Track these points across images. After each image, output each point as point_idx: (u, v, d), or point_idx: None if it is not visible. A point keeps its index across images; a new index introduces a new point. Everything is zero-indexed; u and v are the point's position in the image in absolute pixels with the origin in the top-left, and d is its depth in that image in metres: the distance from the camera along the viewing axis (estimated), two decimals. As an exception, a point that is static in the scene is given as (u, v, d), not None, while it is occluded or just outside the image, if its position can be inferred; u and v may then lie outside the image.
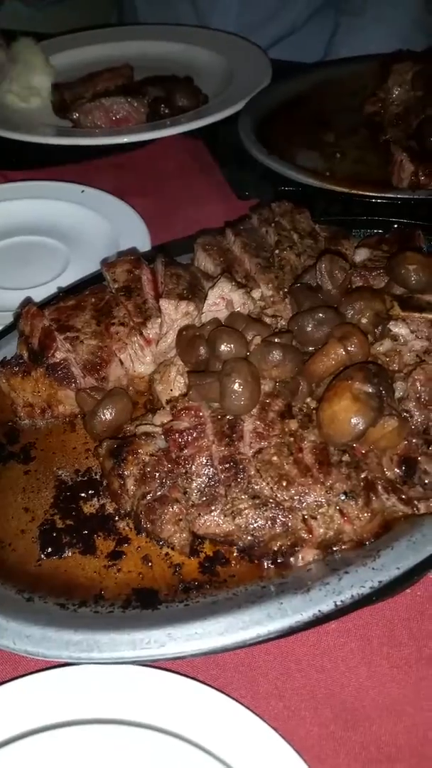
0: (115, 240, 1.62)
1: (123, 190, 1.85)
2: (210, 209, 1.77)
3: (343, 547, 0.92)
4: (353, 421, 0.93)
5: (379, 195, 1.55)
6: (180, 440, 0.98)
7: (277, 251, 1.29)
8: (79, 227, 1.70)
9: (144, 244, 1.59)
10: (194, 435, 0.98)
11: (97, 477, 1.05)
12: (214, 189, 1.85)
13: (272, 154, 1.72)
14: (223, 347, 1.03)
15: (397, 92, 1.93)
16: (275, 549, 0.92)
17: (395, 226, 1.45)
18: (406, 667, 0.93)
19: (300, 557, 0.92)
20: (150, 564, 0.95)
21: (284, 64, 2.43)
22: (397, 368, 1.07)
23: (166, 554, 0.96)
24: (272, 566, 0.92)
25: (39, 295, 1.41)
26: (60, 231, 1.70)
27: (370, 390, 0.94)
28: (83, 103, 2.16)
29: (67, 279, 1.49)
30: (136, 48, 2.68)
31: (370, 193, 1.57)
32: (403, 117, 1.87)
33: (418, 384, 1.00)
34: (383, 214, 1.54)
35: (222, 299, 1.14)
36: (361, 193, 1.57)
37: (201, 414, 1.00)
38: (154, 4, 3.12)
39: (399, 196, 1.56)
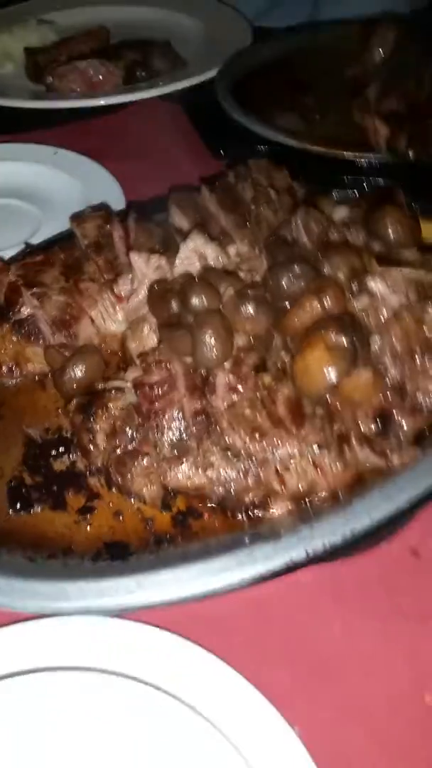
0: (88, 201, 1.58)
1: (98, 154, 1.80)
2: (186, 170, 1.73)
3: (316, 499, 0.91)
4: (326, 370, 0.91)
5: (356, 155, 1.53)
6: (151, 393, 0.96)
7: (253, 207, 1.27)
8: (51, 189, 1.66)
9: (118, 204, 1.56)
10: (165, 388, 0.96)
11: (68, 435, 1.03)
12: (191, 151, 1.81)
13: (248, 114, 1.69)
14: (195, 300, 1.01)
15: (378, 56, 1.90)
16: (248, 501, 0.91)
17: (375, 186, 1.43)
18: (380, 621, 0.92)
19: (273, 509, 0.91)
20: (121, 518, 0.93)
21: (265, 30, 2.40)
22: (374, 323, 1.05)
23: (138, 509, 0.94)
24: (245, 518, 0.91)
25: (6, 256, 1.37)
26: (32, 193, 1.66)
27: (344, 341, 0.93)
28: (57, 67, 2.11)
29: (39, 240, 1.46)
30: (113, 13, 2.62)
31: (348, 153, 1.54)
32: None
33: (393, 338, 0.98)
34: (361, 176, 1.53)
35: (195, 253, 1.12)
36: (338, 153, 1.55)
37: (172, 367, 0.98)
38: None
39: (377, 156, 1.53)
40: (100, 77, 2.10)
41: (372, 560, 0.97)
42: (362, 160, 1.53)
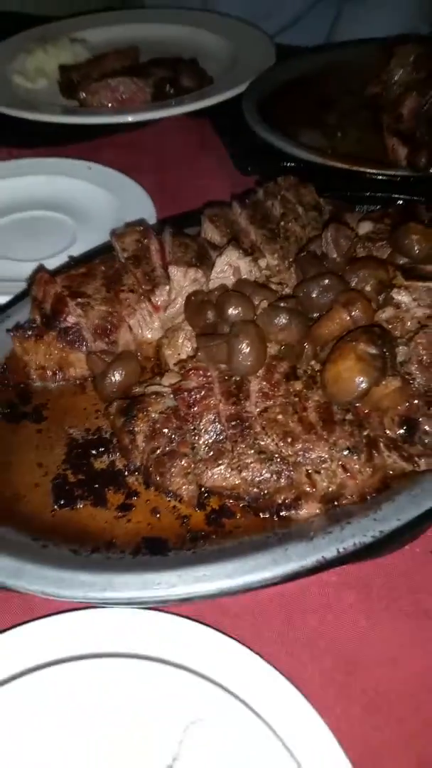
0: (121, 214, 1.64)
1: (129, 168, 1.87)
2: (214, 185, 1.80)
3: (344, 501, 0.96)
4: (357, 380, 0.96)
5: (379, 171, 1.58)
6: (188, 398, 1.01)
7: (282, 223, 1.32)
8: (86, 202, 1.73)
9: (150, 218, 1.62)
10: (202, 393, 1.01)
11: (107, 436, 1.09)
12: (218, 166, 1.87)
13: (275, 131, 1.75)
14: (231, 310, 1.06)
15: (398, 74, 1.95)
16: (279, 502, 0.95)
17: (398, 201, 1.48)
18: (404, 618, 0.96)
19: (303, 510, 0.96)
20: (158, 515, 0.98)
21: (288, 48, 2.46)
22: (399, 334, 1.10)
23: (174, 507, 0.99)
24: (276, 518, 0.96)
25: (49, 266, 1.43)
26: (68, 206, 1.72)
27: (374, 351, 0.98)
28: (90, 84, 2.18)
29: (75, 252, 1.51)
30: (143, 31, 2.70)
31: (371, 170, 1.60)
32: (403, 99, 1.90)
33: (420, 347, 1.03)
34: (383, 191, 1.58)
35: (229, 266, 1.17)
36: (361, 169, 1.60)
37: (209, 374, 1.03)
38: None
39: (398, 173, 1.58)
40: (131, 94, 2.17)
41: (397, 560, 1.01)
42: (384, 176, 1.58)
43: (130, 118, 2.05)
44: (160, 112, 2.06)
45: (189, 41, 2.59)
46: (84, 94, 2.17)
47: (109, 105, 2.16)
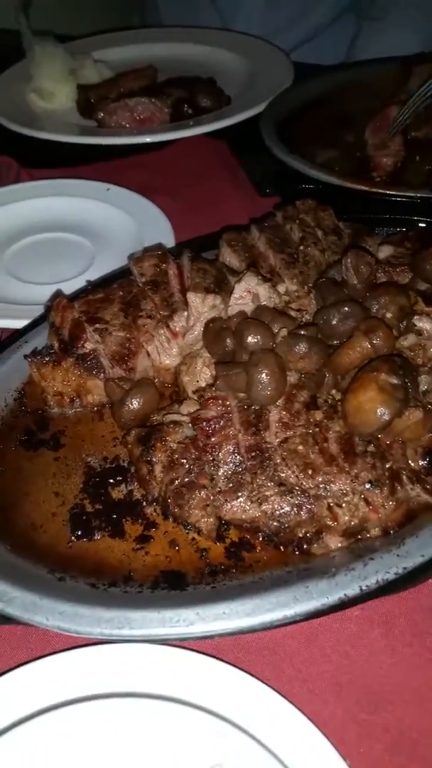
0: (139, 237, 1.65)
1: (147, 189, 1.87)
2: (232, 207, 1.79)
3: (367, 535, 0.94)
4: (379, 411, 0.94)
5: (398, 193, 1.57)
6: (207, 428, 1.00)
7: (301, 247, 1.31)
8: (104, 224, 1.73)
9: (168, 240, 1.62)
10: (221, 423, 1.00)
11: (125, 464, 1.08)
12: (236, 187, 1.87)
13: (293, 153, 1.74)
14: (251, 339, 1.05)
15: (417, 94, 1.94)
16: (300, 535, 0.94)
17: (420, 225, 1.47)
18: (428, 654, 0.94)
19: (325, 544, 0.94)
20: (177, 548, 0.97)
21: (306, 66, 2.46)
22: (421, 362, 1.08)
23: (193, 539, 0.98)
24: (297, 552, 0.94)
25: (66, 289, 1.43)
26: (86, 228, 1.72)
27: (396, 381, 0.96)
28: (108, 104, 2.20)
29: (94, 274, 1.52)
30: (160, 50, 2.71)
31: (390, 192, 1.58)
32: (423, 118, 1.89)
33: (442, 376, 1.01)
34: (403, 213, 1.57)
35: (248, 293, 1.16)
36: (380, 191, 1.59)
37: (228, 403, 1.02)
38: (177, 6, 3.15)
39: (419, 194, 1.57)
40: (148, 114, 2.17)
41: (420, 595, 0.99)
42: (403, 197, 1.57)
43: (147, 139, 2.06)
44: (178, 133, 2.07)
45: (207, 60, 2.60)
46: (102, 114, 2.18)
47: (127, 125, 2.17)
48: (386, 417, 0.94)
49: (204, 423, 1.00)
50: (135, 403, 1.10)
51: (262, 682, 0.86)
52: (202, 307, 1.17)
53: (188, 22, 3.00)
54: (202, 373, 1.13)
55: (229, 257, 1.34)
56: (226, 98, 2.27)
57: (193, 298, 1.17)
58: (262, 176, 1.79)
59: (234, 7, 3.01)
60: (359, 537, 0.94)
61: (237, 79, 2.41)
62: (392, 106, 1.88)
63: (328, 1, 2.96)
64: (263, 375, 1.00)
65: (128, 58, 2.63)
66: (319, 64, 2.57)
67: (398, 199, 1.59)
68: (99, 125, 2.20)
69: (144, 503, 1.02)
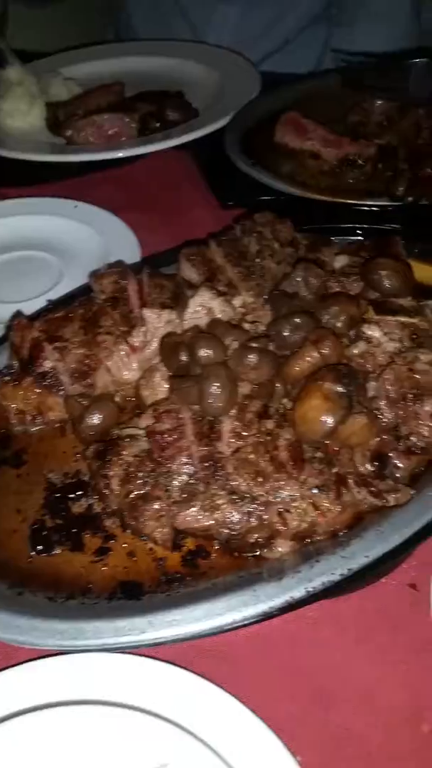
0: (106, 252, 1.68)
1: (116, 204, 1.91)
2: (199, 220, 1.82)
3: (317, 538, 0.98)
4: (323, 419, 0.98)
5: (356, 202, 1.60)
6: (161, 441, 1.03)
7: (257, 260, 1.35)
8: (71, 241, 1.76)
9: (134, 255, 1.65)
10: (175, 436, 1.03)
11: (86, 479, 1.11)
12: (202, 200, 1.90)
13: (256, 164, 1.78)
14: (202, 352, 1.08)
15: (379, 102, 1.98)
16: (252, 541, 0.97)
17: (377, 232, 1.50)
18: (380, 653, 0.97)
19: (276, 549, 0.97)
20: (135, 559, 1.00)
21: (274, 76, 2.50)
22: (371, 369, 1.12)
23: (150, 549, 1.01)
24: (250, 558, 0.97)
25: (34, 307, 1.46)
26: (53, 245, 1.76)
27: (340, 390, 0.99)
28: (76, 121, 2.23)
29: (61, 291, 1.55)
30: (130, 64, 2.74)
31: (350, 201, 1.62)
32: (385, 125, 1.93)
33: (387, 384, 1.05)
34: (364, 222, 1.60)
35: (202, 307, 1.20)
36: (341, 201, 1.63)
37: (181, 416, 1.05)
38: (150, 20, 3.19)
39: (376, 203, 1.61)
40: (116, 130, 2.21)
41: (372, 595, 1.02)
42: (362, 206, 1.61)
43: (114, 155, 2.09)
44: (145, 148, 2.09)
45: (176, 73, 2.62)
46: (70, 132, 2.21)
47: (96, 142, 2.20)
48: (331, 424, 0.98)
49: (158, 436, 1.03)
50: (94, 419, 1.13)
51: (215, 683, 0.89)
52: (158, 322, 1.20)
53: (162, 35, 3.04)
54: (160, 386, 1.16)
55: (188, 271, 1.37)
56: (194, 111, 2.30)
57: (148, 314, 1.20)
58: (224, 188, 1.83)
59: (205, 19, 3.05)
60: (309, 540, 0.98)
61: (205, 91, 2.44)
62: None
63: (299, 10, 3.00)
64: (214, 387, 1.03)
65: (98, 73, 2.65)
66: (288, 73, 2.61)
67: (357, 208, 1.62)
68: (68, 142, 2.24)
69: (103, 516, 1.05)
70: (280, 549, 0.97)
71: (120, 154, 2.09)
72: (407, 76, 2.03)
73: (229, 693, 0.89)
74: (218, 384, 1.03)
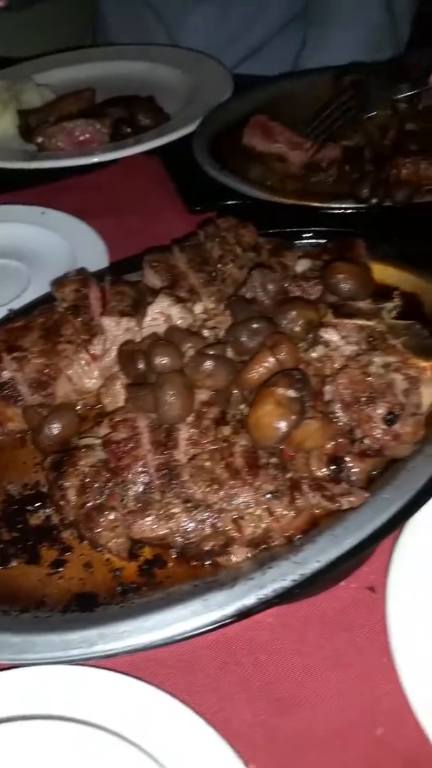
0: (74, 258, 1.68)
1: (86, 209, 1.91)
2: (169, 225, 1.82)
3: (273, 544, 0.98)
4: (276, 424, 0.98)
5: (320, 205, 1.60)
6: (117, 450, 1.03)
7: (219, 265, 1.35)
8: (39, 248, 1.76)
9: (102, 262, 1.66)
10: (131, 445, 1.03)
11: (45, 490, 1.11)
12: (172, 205, 1.90)
13: (223, 169, 1.78)
14: (157, 360, 1.08)
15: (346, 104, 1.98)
16: (207, 549, 0.97)
17: (339, 235, 1.50)
18: (336, 657, 0.97)
19: (232, 556, 0.97)
20: (91, 570, 1.00)
21: (246, 78, 2.50)
22: (329, 372, 1.12)
23: (107, 560, 1.01)
24: (206, 565, 0.97)
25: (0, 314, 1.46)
26: (21, 253, 1.75)
27: (293, 394, 1.00)
28: (47, 128, 2.23)
29: (28, 299, 1.54)
30: (103, 69, 2.74)
31: (316, 204, 1.62)
32: (353, 127, 1.93)
33: (341, 387, 1.05)
34: (330, 225, 1.60)
35: (161, 314, 1.20)
36: (307, 204, 1.63)
37: (137, 425, 1.05)
38: (127, 25, 3.18)
39: (341, 205, 1.61)
40: (87, 136, 2.20)
41: (332, 598, 1.03)
42: (326, 209, 1.61)
43: (85, 161, 2.09)
44: (116, 153, 2.09)
45: (149, 77, 2.63)
46: (41, 139, 2.21)
47: (67, 148, 2.20)
48: (284, 429, 0.98)
49: (114, 445, 1.03)
50: (53, 429, 1.13)
51: (170, 694, 0.89)
52: (116, 330, 1.20)
53: (138, 39, 3.03)
54: (121, 395, 1.16)
55: (151, 278, 1.37)
56: (165, 115, 2.30)
57: (107, 321, 1.20)
58: (192, 193, 1.83)
59: (180, 23, 3.04)
60: (265, 546, 0.97)
61: (177, 95, 2.44)
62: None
63: (274, 13, 3.00)
64: (168, 395, 1.03)
65: (71, 79, 2.66)
66: (261, 75, 2.61)
67: (322, 211, 1.62)
68: (39, 149, 2.23)
69: (61, 528, 1.05)
70: (235, 556, 0.97)
71: (91, 160, 2.09)
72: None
73: (185, 703, 0.89)
74: (173, 392, 1.03)
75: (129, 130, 2.24)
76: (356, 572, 1.05)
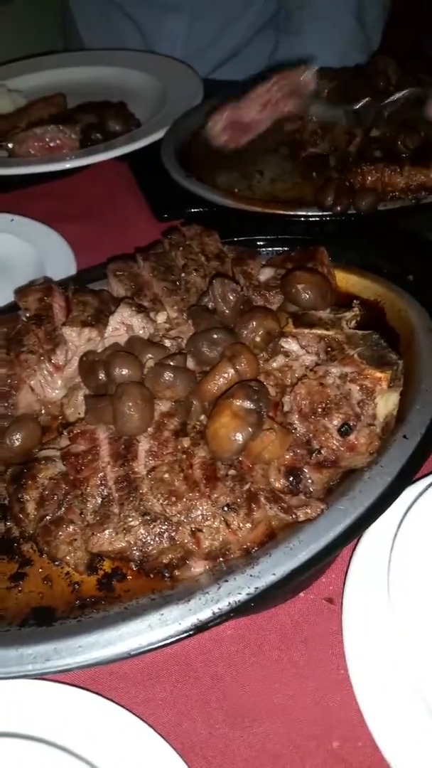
0: (42, 266, 1.68)
1: (56, 216, 1.91)
2: (138, 233, 1.82)
3: (231, 556, 0.98)
4: (233, 436, 0.98)
5: (286, 213, 1.61)
6: (76, 463, 1.03)
7: (183, 274, 1.35)
8: (8, 255, 1.75)
9: (70, 269, 1.66)
10: (89, 457, 1.03)
11: (6, 502, 1.10)
12: (141, 212, 1.90)
13: (190, 176, 1.78)
14: (117, 371, 1.08)
15: (313, 109, 1.99)
16: (166, 562, 0.97)
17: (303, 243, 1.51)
18: (293, 669, 0.98)
19: (190, 569, 0.97)
20: (50, 584, 0.99)
21: (221, 83, 2.51)
22: (290, 383, 1.12)
23: (67, 574, 1.00)
24: (164, 579, 0.97)
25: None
26: (-12, 260, 1.75)
27: (250, 406, 1.00)
28: (17, 133, 2.22)
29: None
30: (75, 74, 2.74)
31: (281, 212, 1.63)
32: (320, 134, 1.94)
33: (299, 398, 1.05)
34: (295, 232, 1.61)
35: (122, 324, 1.20)
36: (272, 212, 1.63)
37: (96, 437, 1.05)
38: (101, 31, 3.17)
39: (309, 213, 1.61)
40: (58, 142, 2.19)
41: (290, 610, 1.03)
42: (291, 217, 1.61)
43: (55, 167, 2.08)
44: (86, 159, 2.09)
45: (121, 82, 2.63)
46: (11, 144, 2.20)
47: (37, 154, 2.19)
48: (240, 441, 0.98)
49: (72, 458, 1.03)
50: (14, 440, 1.12)
51: (126, 708, 0.89)
52: (78, 340, 1.20)
53: (112, 45, 3.03)
54: (83, 405, 1.16)
55: (116, 287, 1.37)
56: (136, 121, 2.30)
57: (69, 332, 1.20)
58: (160, 200, 1.82)
59: (156, 29, 3.04)
60: (223, 559, 0.98)
61: (148, 100, 2.44)
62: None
63: (247, 19, 3.01)
64: (126, 407, 1.03)
65: (44, 84, 2.65)
66: (233, 80, 2.62)
67: (289, 219, 1.63)
68: (10, 155, 2.22)
69: (21, 540, 1.05)
70: (194, 569, 0.97)
71: (62, 167, 2.08)
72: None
73: (142, 716, 0.89)
74: (131, 403, 1.03)
75: (99, 136, 2.23)
76: (315, 583, 1.06)
